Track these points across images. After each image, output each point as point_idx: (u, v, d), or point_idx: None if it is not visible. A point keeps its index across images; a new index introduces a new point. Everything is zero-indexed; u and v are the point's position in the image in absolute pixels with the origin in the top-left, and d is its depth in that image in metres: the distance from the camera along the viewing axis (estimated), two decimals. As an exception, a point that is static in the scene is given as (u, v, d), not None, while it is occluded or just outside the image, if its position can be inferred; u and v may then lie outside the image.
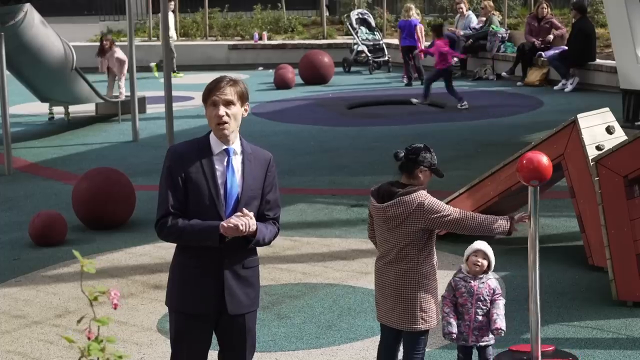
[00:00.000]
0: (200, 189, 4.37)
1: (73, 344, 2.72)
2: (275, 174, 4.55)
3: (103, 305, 2.83)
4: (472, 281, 5.39)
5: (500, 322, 5.32)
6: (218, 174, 4.39)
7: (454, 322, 5.35)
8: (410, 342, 5.21)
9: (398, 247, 5.12)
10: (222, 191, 4.37)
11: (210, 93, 4.39)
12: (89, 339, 2.62)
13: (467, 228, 5.11)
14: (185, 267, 4.45)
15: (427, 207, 5.04)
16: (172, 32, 20.88)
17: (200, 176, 4.37)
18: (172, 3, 21.06)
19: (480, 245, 5.42)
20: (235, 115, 4.39)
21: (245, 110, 4.47)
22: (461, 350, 5.49)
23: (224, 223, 4.27)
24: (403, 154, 5.20)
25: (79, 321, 2.66)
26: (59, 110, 15.81)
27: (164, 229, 4.38)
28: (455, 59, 18.14)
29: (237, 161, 4.43)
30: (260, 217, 4.48)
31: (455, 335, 5.36)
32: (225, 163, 4.40)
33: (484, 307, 5.36)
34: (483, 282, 5.39)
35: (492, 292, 5.39)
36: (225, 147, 4.41)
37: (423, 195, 5.09)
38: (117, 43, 20.55)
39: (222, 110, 4.35)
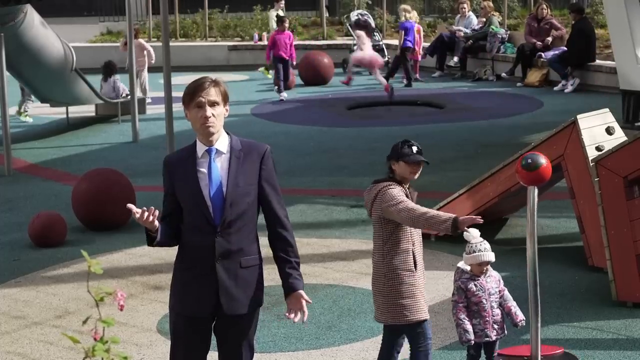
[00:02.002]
0: (185, 194, 4.39)
1: (73, 345, 2.72)
2: (272, 167, 4.47)
3: (103, 306, 2.83)
4: (479, 278, 5.45)
5: (521, 314, 5.48)
6: (201, 176, 4.38)
7: (470, 328, 5.39)
8: (385, 332, 5.32)
9: (373, 239, 5.30)
10: (206, 193, 4.36)
11: (194, 94, 4.35)
12: (95, 339, 2.62)
13: (405, 220, 5.08)
14: (182, 269, 4.47)
15: (380, 195, 5.18)
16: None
17: (184, 182, 4.39)
18: (282, 2, 20.78)
19: (486, 257, 5.42)
20: (219, 115, 4.38)
21: (227, 110, 4.45)
22: (472, 347, 5.50)
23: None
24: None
25: (84, 322, 2.66)
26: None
27: None
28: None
29: (222, 160, 4.40)
30: (269, 222, 4.47)
31: (473, 342, 5.39)
32: (207, 164, 4.40)
33: (496, 300, 5.45)
34: (489, 276, 5.47)
35: (498, 282, 5.50)
36: (207, 148, 4.40)
37: (382, 185, 5.21)
38: (117, 44, 20.57)
39: (209, 111, 4.33)
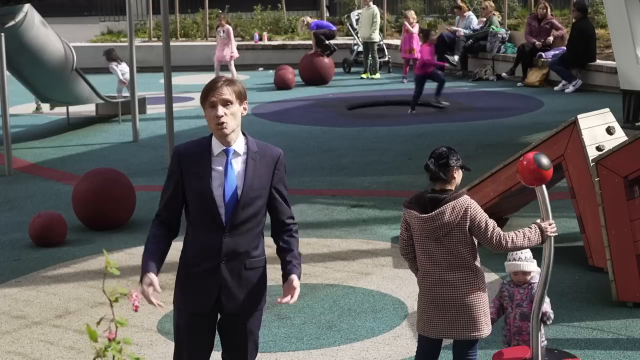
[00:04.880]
0: (195, 191, 4.39)
1: (73, 344, 2.72)
2: (283, 172, 4.51)
3: (103, 306, 2.83)
4: (515, 287, 5.45)
5: (547, 307, 5.26)
6: (216, 175, 4.39)
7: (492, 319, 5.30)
8: (469, 348, 5.11)
9: (451, 256, 4.99)
10: (219, 193, 4.37)
11: (208, 95, 4.38)
12: (109, 339, 2.62)
13: (496, 245, 4.98)
14: (187, 266, 4.48)
15: (471, 214, 4.96)
16: (376, 33, 19.93)
17: (196, 178, 4.39)
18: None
19: (515, 267, 5.41)
20: (234, 114, 4.38)
21: (244, 108, 4.47)
22: None
23: (284, 300, 4.42)
24: (432, 163, 5.08)
25: (98, 323, 2.66)
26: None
27: (150, 228, 4.59)
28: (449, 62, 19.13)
29: (238, 162, 4.42)
30: (276, 223, 4.51)
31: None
32: (224, 164, 4.40)
33: (524, 312, 5.37)
34: (525, 287, 5.43)
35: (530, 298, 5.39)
36: (224, 148, 4.42)
37: (468, 200, 5.02)
38: (117, 44, 20.54)
39: (221, 110, 4.35)
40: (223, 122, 4.34)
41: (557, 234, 5.11)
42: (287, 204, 4.55)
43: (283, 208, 4.51)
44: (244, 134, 4.48)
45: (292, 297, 4.40)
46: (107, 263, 2.61)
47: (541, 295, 5.20)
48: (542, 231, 5.03)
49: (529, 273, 5.43)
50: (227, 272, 4.39)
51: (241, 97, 4.43)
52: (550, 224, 5.07)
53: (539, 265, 5.37)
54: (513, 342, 5.44)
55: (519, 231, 5.04)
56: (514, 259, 5.42)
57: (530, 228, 5.06)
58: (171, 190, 4.46)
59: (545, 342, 5.44)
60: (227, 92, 4.37)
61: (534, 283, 5.42)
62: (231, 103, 4.37)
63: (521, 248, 5.06)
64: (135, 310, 2.77)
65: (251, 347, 4.55)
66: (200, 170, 4.39)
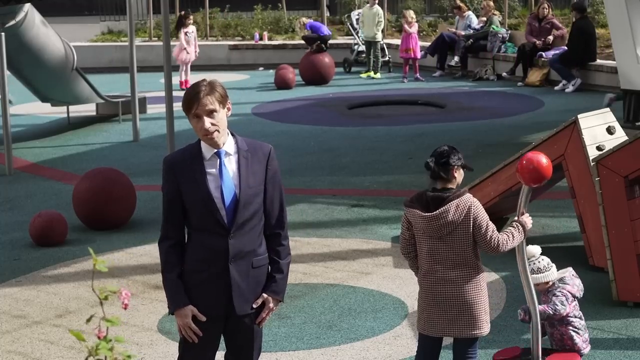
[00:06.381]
0: (194, 197, 4.36)
1: (74, 344, 2.72)
2: (276, 169, 4.48)
3: (105, 305, 2.83)
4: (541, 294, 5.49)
5: (543, 307, 5.33)
6: (211, 178, 4.36)
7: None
8: (470, 347, 5.10)
9: (454, 254, 4.98)
10: (218, 195, 4.35)
11: (191, 106, 4.32)
12: (98, 338, 2.61)
13: (492, 248, 4.97)
14: (191, 272, 4.42)
15: (473, 213, 4.96)
16: (380, 33, 19.78)
17: (193, 184, 4.36)
18: None
19: (537, 279, 5.39)
20: (220, 120, 4.34)
21: (229, 109, 4.41)
22: None
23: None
24: (433, 161, 5.07)
25: (88, 320, 2.65)
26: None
27: (160, 253, 4.48)
28: None
29: (231, 162, 4.39)
30: (266, 225, 4.47)
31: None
32: (217, 166, 4.38)
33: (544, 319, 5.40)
34: (545, 295, 5.45)
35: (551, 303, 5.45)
36: (215, 150, 4.38)
37: (471, 198, 5.01)
38: (118, 43, 20.53)
39: (207, 122, 4.30)
40: (212, 132, 4.32)
41: (531, 225, 5.15)
42: (282, 199, 4.51)
43: (274, 211, 4.47)
44: (232, 134, 4.45)
45: (264, 319, 4.52)
46: (94, 261, 2.60)
47: (531, 296, 5.23)
48: (524, 226, 5.08)
49: (547, 282, 5.46)
50: (236, 273, 4.37)
51: (224, 100, 4.36)
52: (528, 217, 5.12)
53: (559, 267, 5.46)
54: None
55: (508, 232, 5.04)
56: (531, 271, 5.40)
57: (514, 227, 5.08)
58: (171, 202, 4.42)
59: None
60: (210, 102, 4.29)
61: (553, 289, 5.43)
62: (216, 111, 4.31)
63: (511, 248, 5.06)
64: (125, 308, 2.76)
65: (256, 347, 4.55)
66: (196, 176, 4.36)
